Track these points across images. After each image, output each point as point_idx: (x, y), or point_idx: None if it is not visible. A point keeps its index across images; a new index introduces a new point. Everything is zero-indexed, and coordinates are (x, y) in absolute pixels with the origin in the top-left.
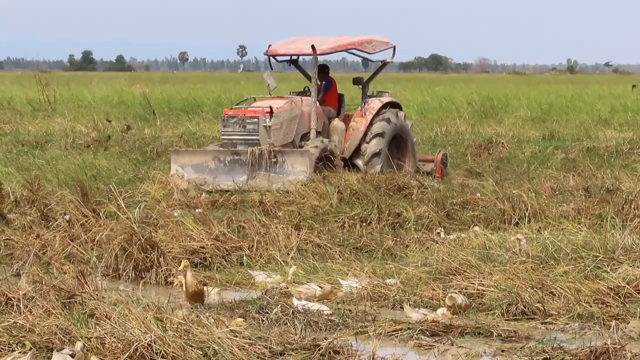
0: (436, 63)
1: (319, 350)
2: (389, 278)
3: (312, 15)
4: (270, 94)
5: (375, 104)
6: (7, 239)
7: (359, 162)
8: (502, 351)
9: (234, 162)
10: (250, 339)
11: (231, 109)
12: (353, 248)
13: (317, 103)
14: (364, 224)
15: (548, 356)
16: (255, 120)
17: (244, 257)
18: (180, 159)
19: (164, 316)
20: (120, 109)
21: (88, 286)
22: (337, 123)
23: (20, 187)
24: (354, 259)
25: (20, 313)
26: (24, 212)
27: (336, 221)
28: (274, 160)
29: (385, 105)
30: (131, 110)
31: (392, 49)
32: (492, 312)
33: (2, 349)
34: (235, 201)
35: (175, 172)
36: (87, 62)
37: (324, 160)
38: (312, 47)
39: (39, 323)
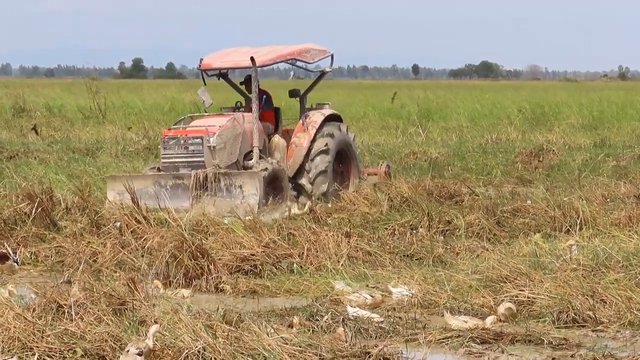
0: (487, 70)
1: (369, 357)
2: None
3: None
4: (205, 111)
5: (317, 117)
6: (58, 246)
7: (304, 182)
8: (553, 359)
9: (176, 187)
10: (300, 347)
11: (169, 129)
12: (403, 255)
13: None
14: (414, 231)
15: None
16: (199, 140)
17: (294, 265)
18: (118, 185)
19: (214, 323)
20: (171, 116)
21: (139, 293)
22: (278, 140)
23: (71, 195)
24: (404, 267)
25: (72, 320)
26: (74, 220)
27: (386, 228)
28: (223, 183)
29: (328, 118)
30: None
31: (330, 57)
32: (542, 319)
33: (53, 355)
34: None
35: (113, 199)
36: (137, 70)
37: (273, 183)
38: (252, 59)
39: (89, 330)
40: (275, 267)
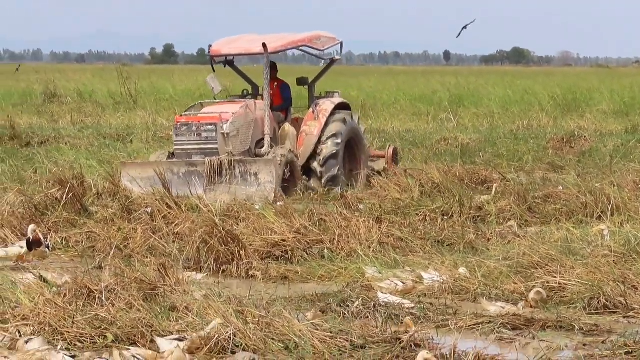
0: (518, 56)
1: (400, 343)
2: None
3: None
4: (215, 98)
5: (327, 105)
6: (89, 231)
7: (315, 165)
8: (584, 345)
9: (189, 174)
10: (331, 332)
11: (181, 115)
12: (434, 241)
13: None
14: (446, 217)
15: (630, 350)
16: (212, 127)
17: (325, 251)
18: (130, 172)
19: (245, 309)
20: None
21: (169, 279)
22: (288, 128)
23: (102, 180)
24: (435, 253)
25: (102, 305)
26: (106, 205)
27: (417, 214)
28: (238, 171)
29: (338, 107)
30: None
31: (340, 45)
32: (573, 305)
33: (84, 340)
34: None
35: (125, 186)
36: (168, 56)
37: (287, 172)
38: (264, 45)
39: (120, 316)
40: (306, 253)
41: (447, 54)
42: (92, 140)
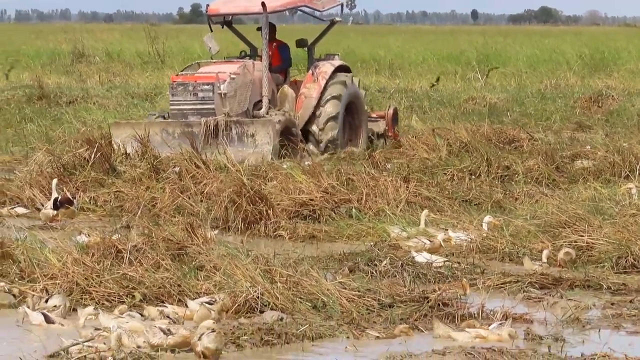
0: (546, 15)
1: (428, 302)
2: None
3: None
4: (212, 58)
5: (327, 67)
6: (117, 191)
7: (314, 128)
8: (612, 304)
9: (184, 135)
10: (359, 291)
11: (178, 75)
12: (462, 201)
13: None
14: (473, 176)
15: None
16: (209, 87)
17: (353, 210)
18: (122, 132)
19: (272, 268)
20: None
21: (197, 238)
22: (287, 90)
23: (130, 139)
24: (463, 212)
25: (130, 265)
26: (134, 165)
27: (445, 174)
28: (234, 132)
29: (338, 69)
30: None
31: (340, 6)
32: (601, 265)
33: (111, 300)
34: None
35: (117, 147)
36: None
37: (285, 134)
38: (263, 4)
39: (148, 275)
40: (334, 212)
41: (474, 13)
42: (120, 99)
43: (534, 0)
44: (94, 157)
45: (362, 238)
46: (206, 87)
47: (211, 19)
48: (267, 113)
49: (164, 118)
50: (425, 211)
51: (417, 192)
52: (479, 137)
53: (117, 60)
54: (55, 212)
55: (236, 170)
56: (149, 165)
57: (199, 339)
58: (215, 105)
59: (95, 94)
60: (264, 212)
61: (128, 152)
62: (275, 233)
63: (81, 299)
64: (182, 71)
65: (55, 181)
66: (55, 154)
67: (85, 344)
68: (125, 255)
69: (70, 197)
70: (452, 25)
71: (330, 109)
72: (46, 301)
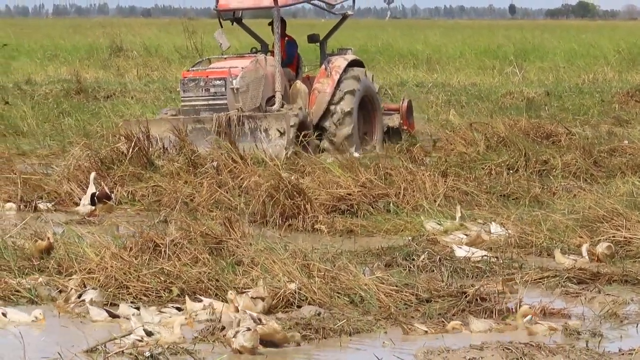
0: (583, 10)
1: (466, 297)
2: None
3: None
4: (222, 54)
5: (340, 62)
6: (155, 185)
7: (327, 124)
8: None
9: (196, 132)
10: (396, 286)
11: (189, 70)
12: (500, 195)
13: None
14: (511, 171)
15: None
16: (222, 82)
17: (391, 204)
18: (133, 130)
19: (310, 263)
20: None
21: (235, 233)
22: (300, 86)
23: (168, 134)
24: (501, 206)
25: (168, 259)
26: (172, 159)
27: (483, 168)
28: (247, 127)
29: (351, 64)
30: None
31: (352, 0)
32: (639, 259)
33: (149, 294)
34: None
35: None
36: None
37: (300, 130)
38: None
39: (186, 270)
40: (372, 207)
41: (512, 8)
42: (158, 94)
43: None
44: (132, 152)
45: (399, 233)
46: (218, 82)
47: (221, 15)
48: (281, 109)
49: (176, 114)
50: (459, 207)
51: (455, 187)
52: (516, 131)
53: (155, 54)
54: (93, 207)
55: (274, 165)
56: (186, 160)
57: (234, 336)
58: (227, 101)
59: (133, 89)
60: (302, 206)
61: (166, 146)
62: (313, 227)
63: (119, 293)
64: (193, 66)
65: (93, 175)
66: (93, 148)
67: (128, 337)
68: (163, 250)
69: (108, 192)
70: (489, 19)
71: (344, 104)
72: (79, 296)
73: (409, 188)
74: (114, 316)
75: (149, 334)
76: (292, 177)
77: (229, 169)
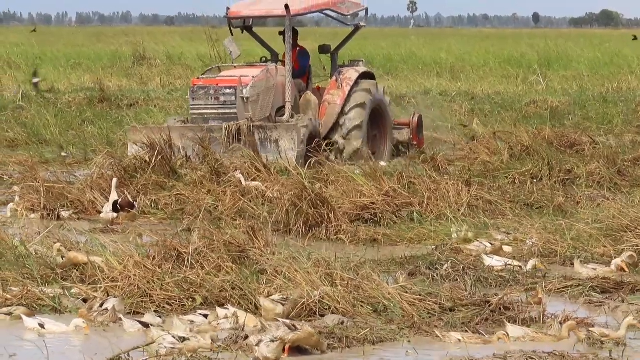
0: (607, 19)
1: (489, 306)
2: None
3: None
4: (232, 62)
5: (351, 74)
6: (178, 194)
7: (337, 138)
8: None
9: (205, 140)
10: (420, 295)
11: (198, 78)
12: (524, 204)
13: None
14: (535, 180)
15: None
16: (232, 90)
17: (414, 213)
18: (140, 138)
19: (333, 272)
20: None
21: (258, 241)
22: (310, 97)
23: (192, 143)
24: (525, 216)
25: (191, 268)
26: (195, 168)
27: (507, 177)
28: (257, 137)
29: (362, 76)
30: None
31: (365, 10)
32: None
33: (172, 303)
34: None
35: (134, 152)
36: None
37: (310, 141)
38: (286, 6)
39: (209, 278)
40: (395, 216)
41: (536, 16)
42: (181, 102)
43: (595, 3)
44: (155, 160)
45: (423, 242)
46: (228, 90)
47: (232, 22)
48: (291, 119)
49: (184, 123)
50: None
51: (479, 196)
52: (540, 140)
53: (178, 63)
54: (115, 215)
55: (297, 174)
56: (209, 169)
57: (257, 344)
58: (237, 110)
59: (157, 97)
60: (325, 215)
61: (189, 155)
62: (337, 236)
63: (142, 302)
64: (202, 74)
65: (115, 180)
66: (116, 156)
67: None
68: (186, 259)
69: (131, 201)
70: (513, 28)
71: (354, 118)
72: (101, 305)
73: (433, 197)
74: (147, 326)
75: (183, 340)
76: (316, 186)
77: (252, 177)
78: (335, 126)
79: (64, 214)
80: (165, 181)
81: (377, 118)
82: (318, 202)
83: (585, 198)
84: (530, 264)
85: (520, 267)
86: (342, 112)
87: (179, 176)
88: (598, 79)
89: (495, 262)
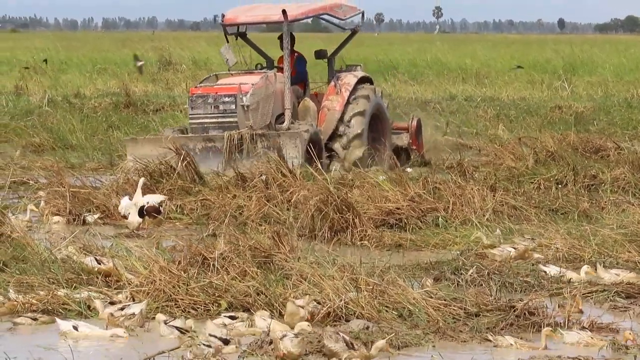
0: (632, 24)
1: (514, 311)
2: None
3: None
4: (229, 70)
5: (349, 79)
6: (204, 199)
7: (337, 147)
8: None
9: (206, 150)
10: (445, 300)
11: (196, 87)
12: (548, 210)
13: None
14: (560, 185)
15: None
16: (232, 98)
17: (440, 219)
18: (139, 149)
19: (358, 277)
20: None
21: (284, 246)
22: (309, 103)
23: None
24: (549, 221)
25: (216, 273)
26: (220, 173)
27: (532, 182)
28: (260, 145)
29: (360, 81)
30: None
31: (361, 14)
32: None
33: (197, 308)
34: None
35: (133, 165)
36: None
37: (311, 147)
38: (284, 12)
39: (234, 283)
40: (420, 221)
41: (561, 22)
42: None
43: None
44: (181, 165)
45: (448, 247)
46: (228, 99)
47: (226, 29)
48: (291, 127)
49: (182, 133)
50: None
51: (504, 201)
52: (565, 146)
53: (204, 68)
54: (141, 220)
55: (323, 179)
56: (235, 174)
57: (282, 339)
58: (238, 119)
59: (182, 102)
60: (351, 220)
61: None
62: (362, 242)
63: (167, 306)
64: (200, 83)
65: (142, 180)
66: (142, 162)
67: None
68: (211, 264)
69: (157, 206)
70: (538, 34)
71: (354, 126)
72: (122, 308)
73: (458, 202)
74: (183, 332)
75: (226, 342)
76: (341, 192)
77: (277, 182)
78: (335, 134)
79: (90, 218)
80: (191, 186)
81: (376, 122)
82: (343, 207)
83: (610, 203)
84: (584, 270)
85: (544, 272)
86: (342, 120)
87: (205, 181)
88: (623, 85)
89: (552, 269)
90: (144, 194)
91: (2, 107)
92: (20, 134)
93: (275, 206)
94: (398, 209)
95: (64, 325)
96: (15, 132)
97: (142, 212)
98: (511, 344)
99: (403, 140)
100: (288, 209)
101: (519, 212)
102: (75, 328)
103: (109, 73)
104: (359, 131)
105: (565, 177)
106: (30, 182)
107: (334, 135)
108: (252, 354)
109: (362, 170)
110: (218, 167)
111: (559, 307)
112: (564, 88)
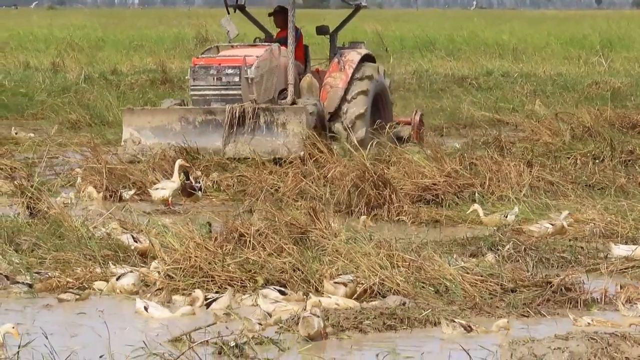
0: None
1: (551, 287)
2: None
3: None
4: (230, 42)
5: (353, 56)
6: (240, 175)
7: (338, 127)
8: None
9: (206, 123)
10: (481, 276)
11: (199, 57)
12: (585, 185)
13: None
14: (597, 161)
15: None
16: (236, 70)
17: (476, 194)
18: (136, 121)
19: (395, 253)
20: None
21: (320, 222)
22: (311, 79)
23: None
24: (586, 197)
25: (253, 249)
26: None
27: (568, 158)
28: (263, 120)
29: (363, 58)
30: None
31: None
32: None
33: (234, 284)
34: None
35: (129, 136)
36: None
37: (317, 125)
38: None
39: (271, 259)
40: (457, 197)
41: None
42: None
43: None
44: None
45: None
46: (231, 71)
47: (227, 1)
48: (294, 102)
49: (180, 105)
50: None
51: (540, 177)
52: (602, 121)
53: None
54: (165, 195)
55: (359, 155)
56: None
57: (309, 317)
58: (242, 91)
59: None
60: (387, 196)
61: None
62: (398, 217)
63: (204, 283)
64: (202, 53)
65: (179, 162)
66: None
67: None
68: (248, 240)
69: (193, 183)
70: (575, 9)
71: (358, 107)
72: (117, 278)
73: (494, 178)
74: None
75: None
76: (378, 167)
77: (314, 158)
78: (338, 113)
79: (126, 195)
80: (227, 162)
81: (378, 101)
82: (380, 183)
83: None
84: None
85: (581, 247)
86: (344, 99)
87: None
88: None
89: (623, 251)
90: (180, 174)
91: (40, 84)
92: (57, 110)
93: (312, 182)
94: (434, 184)
95: (138, 304)
96: (52, 109)
97: (184, 189)
98: (588, 323)
99: (405, 132)
100: (324, 185)
101: (555, 187)
102: (146, 309)
103: (145, 50)
104: (362, 111)
105: (602, 152)
106: (68, 158)
107: (335, 115)
108: (289, 330)
109: (399, 146)
110: (218, 142)
111: (621, 287)
112: (601, 64)
